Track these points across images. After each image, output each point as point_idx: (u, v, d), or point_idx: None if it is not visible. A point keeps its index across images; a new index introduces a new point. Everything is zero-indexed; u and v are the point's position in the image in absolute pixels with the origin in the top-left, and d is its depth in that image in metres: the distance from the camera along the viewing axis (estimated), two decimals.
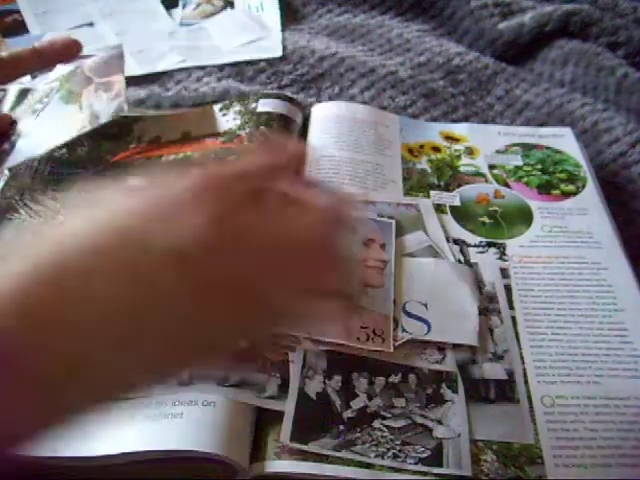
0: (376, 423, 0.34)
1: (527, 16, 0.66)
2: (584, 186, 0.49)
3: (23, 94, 0.52)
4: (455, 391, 0.36)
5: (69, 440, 0.32)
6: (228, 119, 0.52)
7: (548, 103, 0.59)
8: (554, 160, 0.51)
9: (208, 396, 0.33)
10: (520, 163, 0.51)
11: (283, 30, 0.67)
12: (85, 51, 0.49)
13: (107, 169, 0.48)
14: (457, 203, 0.47)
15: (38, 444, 0.21)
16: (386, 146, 0.52)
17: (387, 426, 0.34)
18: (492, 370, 0.37)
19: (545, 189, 0.49)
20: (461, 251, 0.44)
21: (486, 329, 0.39)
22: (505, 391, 0.36)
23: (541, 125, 0.56)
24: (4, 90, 0.53)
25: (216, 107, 0.53)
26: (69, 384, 0.20)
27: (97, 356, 0.20)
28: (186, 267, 0.21)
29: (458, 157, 0.51)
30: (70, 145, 0.48)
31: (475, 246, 0.44)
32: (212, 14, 0.70)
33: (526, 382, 0.37)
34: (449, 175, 0.50)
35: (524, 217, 0.47)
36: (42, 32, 0.66)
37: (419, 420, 0.34)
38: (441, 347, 0.38)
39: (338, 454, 0.33)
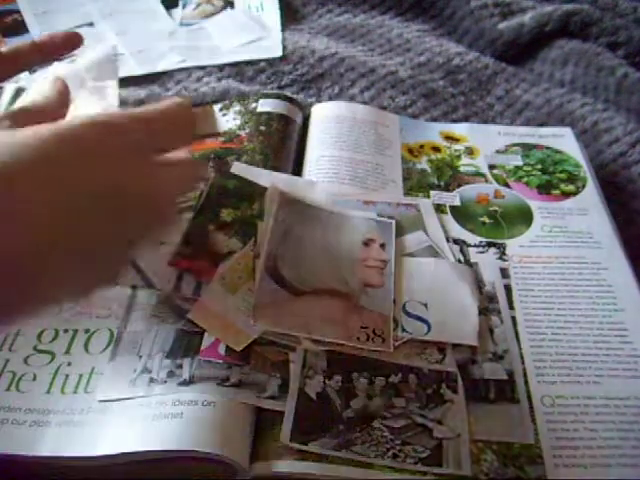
0: (376, 423, 0.34)
1: (527, 16, 0.66)
2: (584, 186, 0.49)
3: (18, 93, 0.52)
4: (455, 391, 0.36)
5: (69, 440, 0.32)
6: (228, 119, 0.52)
7: (548, 103, 0.59)
8: (554, 160, 0.51)
9: (208, 396, 0.33)
10: (520, 163, 0.51)
11: (283, 30, 0.67)
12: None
13: None
14: (457, 203, 0.47)
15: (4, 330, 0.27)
16: (386, 146, 0.52)
17: (387, 426, 0.34)
18: (492, 370, 0.37)
19: (545, 189, 0.49)
20: (461, 251, 0.44)
21: (486, 329, 0.39)
22: (505, 391, 0.36)
23: (541, 125, 0.56)
24: (1, 88, 0.53)
25: (216, 107, 0.53)
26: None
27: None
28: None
29: (458, 157, 0.51)
30: None
31: (475, 246, 0.44)
32: (212, 14, 0.70)
33: (526, 382, 0.37)
34: (449, 175, 0.50)
35: (524, 217, 0.47)
36: (42, 32, 0.65)
37: (419, 420, 0.34)
38: (441, 347, 0.38)
39: (338, 454, 0.33)
